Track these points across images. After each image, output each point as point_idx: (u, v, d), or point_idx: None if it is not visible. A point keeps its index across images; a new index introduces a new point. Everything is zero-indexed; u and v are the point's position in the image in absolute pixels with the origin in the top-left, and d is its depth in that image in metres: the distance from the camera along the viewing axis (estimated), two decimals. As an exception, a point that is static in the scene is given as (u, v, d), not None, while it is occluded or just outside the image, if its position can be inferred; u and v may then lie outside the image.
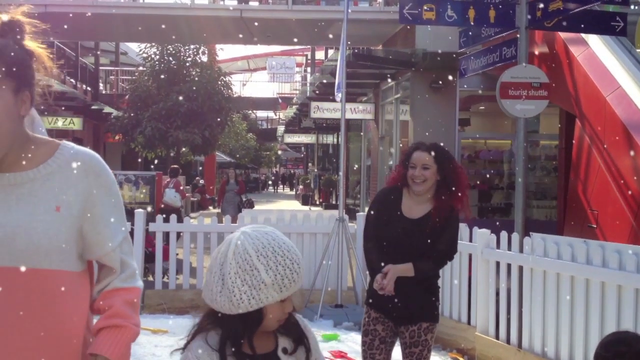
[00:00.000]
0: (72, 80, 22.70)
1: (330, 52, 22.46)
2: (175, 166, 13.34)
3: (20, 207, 1.56)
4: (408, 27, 11.72)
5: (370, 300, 3.41)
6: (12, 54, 1.55)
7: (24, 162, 1.60)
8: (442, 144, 3.45)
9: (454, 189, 3.33)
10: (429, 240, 3.28)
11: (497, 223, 8.38)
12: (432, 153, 3.32)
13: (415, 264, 3.26)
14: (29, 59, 1.62)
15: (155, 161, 20.84)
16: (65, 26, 12.65)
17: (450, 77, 10.69)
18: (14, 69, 1.55)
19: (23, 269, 1.53)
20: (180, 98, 19.68)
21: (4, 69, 1.52)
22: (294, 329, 1.65)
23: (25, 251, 1.53)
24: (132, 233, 6.96)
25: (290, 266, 1.53)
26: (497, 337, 5.36)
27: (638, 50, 6.64)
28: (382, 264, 3.28)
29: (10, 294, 1.53)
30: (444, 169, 3.31)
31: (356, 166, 18.40)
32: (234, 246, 1.52)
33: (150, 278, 7.81)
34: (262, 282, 1.50)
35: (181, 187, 12.53)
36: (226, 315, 1.53)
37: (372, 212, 3.47)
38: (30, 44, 1.63)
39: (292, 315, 1.63)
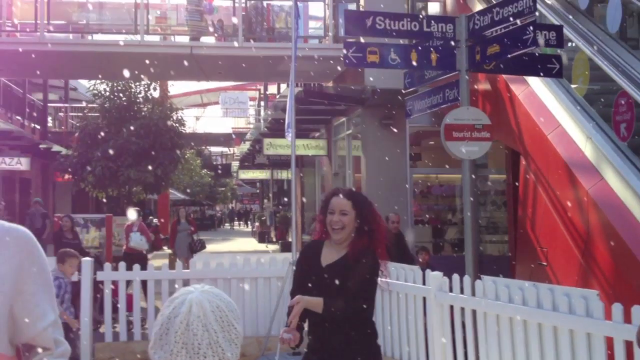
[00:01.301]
0: (19, 118, 22.17)
1: (283, 86, 22.58)
2: (137, 208, 12.97)
3: None
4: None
5: (305, 356, 3.34)
6: None
7: None
8: (360, 192, 3.48)
9: (371, 232, 3.28)
10: (340, 281, 3.18)
11: (453, 259, 8.43)
12: (351, 199, 3.29)
13: (325, 300, 3.14)
14: None
15: (115, 203, 20.35)
16: (13, 64, 12.37)
17: (400, 114, 10.82)
18: None
19: None
20: (133, 138, 19.34)
21: None
22: None
23: None
24: (79, 282, 6.74)
25: (239, 317, 1.59)
26: (454, 382, 5.32)
27: (574, 86, 6.84)
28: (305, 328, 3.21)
29: None
30: (362, 214, 3.28)
31: (305, 200, 18.36)
32: (207, 306, 1.51)
33: (102, 330, 7.56)
34: (239, 335, 1.53)
35: (146, 230, 12.12)
36: None
37: (296, 269, 3.46)
38: None
39: None
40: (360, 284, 3.19)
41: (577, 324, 4.18)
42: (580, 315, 4.17)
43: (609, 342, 4.01)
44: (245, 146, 26.76)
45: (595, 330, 4.06)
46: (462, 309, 5.28)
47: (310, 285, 3.26)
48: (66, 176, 22.07)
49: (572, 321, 4.21)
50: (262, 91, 29.97)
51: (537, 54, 6.33)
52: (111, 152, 18.93)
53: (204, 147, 38.31)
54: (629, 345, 3.86)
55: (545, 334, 4.43)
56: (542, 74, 6.30)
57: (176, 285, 7.14)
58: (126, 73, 13.96)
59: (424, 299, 5.74)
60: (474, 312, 5.15)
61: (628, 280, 5.00)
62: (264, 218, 29.23)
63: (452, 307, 5.40)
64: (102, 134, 19.88)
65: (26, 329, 1.59)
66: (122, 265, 7.19)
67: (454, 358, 5.37)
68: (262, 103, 28.92)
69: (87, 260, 6.97)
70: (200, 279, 7.22)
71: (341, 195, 3.30)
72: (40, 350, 1.64)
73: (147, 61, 13.43)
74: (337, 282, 3.17)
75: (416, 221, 10.96)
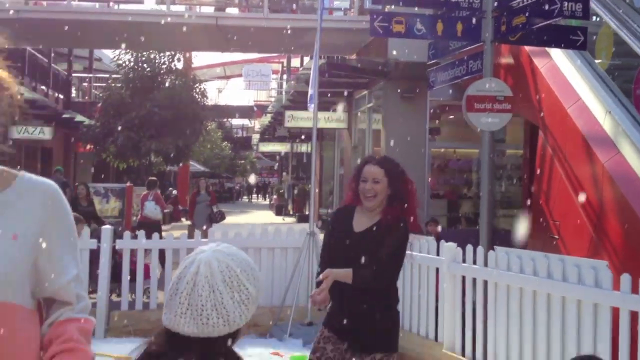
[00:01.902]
0: (43, 87, 22.41)
1: (306, 59, 22.50)
2: (153, 178, 13.14)
3: None
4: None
5: (326, 319, 3.38)
6: None
7: None
8: (393, 158, 3.43)
9: (403, 201, 3.30)
10: (370, 251, 3.20)
11: (467, 232, 8.46)
12: (383, 166, 3.30)
13: (355, 270, 3.16)
14: None
15: (134, 174, 20.57)
16: (39, 33, 12.50)
17: (422, 87, 10.78)
18: None
19: None
20: (156, 109, 19.47)
21: None
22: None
23: None
24: (99, 250, 6.81)
25: (259, 277, 1.57)
26: (463, 354, 5.38)
27: (598, 61, 6.77)
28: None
29: None
30: (394, 182, 3.28)
31: (330, 183, 18.42)
32: (216, 265, 1.50)
33: (116, 298, 7.63)
34: (250, 295, 1.51)
35: (161, 199, 12.33)
36: (196, 338, 1.49)
37: (325, 234, 3.49)
38: None
39: None
40: (391, 255, 3.22)
41: (585, 294, 4.20)
42: (589, 286, 4.19)
43: (615, 313, 4.03)
44: (267, 119, 26.83)
45: (602, 301, 4.09)
46: (474, 280, 5.32)
47: (341, 250, 3.26)
48: (88, 146, 22.32)
49: (581, 291, 4.24)
50: (285, 64, 29.91)
51: (562, 26, 6.26)
52: (136, 121, 19.10)
53: (225, 119, 38.42)
54: (634, 316, 3.89)
55: (553, 305, 4.47)
56: (567, 45, 6.24)
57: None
58: (151, 43, 14.03)
59: (437, 269, 5.78)
60: (485, 283, 5.18)
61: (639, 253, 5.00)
62: (282, 191, 29.37)
63: (463, 278, 5.44)
64: (126, 104, 20.06)
65: (49, 283, 1.62)
66: (141, 233, 7.22)
67: (463, 328, 5.43)
68: (285, 76, 28.88)
69: (107, 228, 7.02)
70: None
71: (374, 163, 3.31)
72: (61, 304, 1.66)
73: (173, 31, 13.49)
74: (368, 249, 3.19)
75: (432, 195, 10.97)
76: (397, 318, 3.40)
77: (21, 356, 1.57)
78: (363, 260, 3.18)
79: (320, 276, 3.14)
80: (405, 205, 3.29)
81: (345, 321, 3.20)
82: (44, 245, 1.60)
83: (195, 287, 1.49)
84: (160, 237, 7.69)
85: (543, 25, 5.77)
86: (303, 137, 23.95)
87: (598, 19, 7.24)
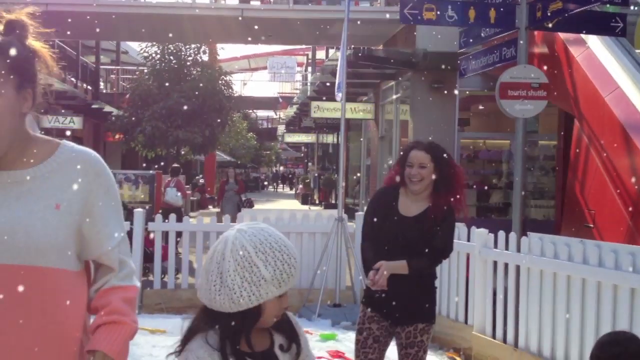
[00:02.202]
0: (72, 79, 22.73)
1: (331, 51, 22.49)
2: (176, 165, 13.34)
3: (20, 205, 1.55)
4: (409, 27, 11.74)
5: (367, 299, 3.41)
6: (16, 51, 1.55)
7: (24, 160, 1.60)
8: (439, 143, 3.44)
9: (451, 187, 3.32)
10: (426, 238, 3.26)
11: (496, 222, 8.41)
12: (429, 152, 3.31)
13: (409, 262, 3.24)
14: (32, 57, 1.63)
15: (161, 162, 20.82)
16: (67, 25, 12.66)
17: (451, 77, 10.71)
18: (17, 66, 1.55)
19: (22, 266, 1.54)
20: (183, 100, 19.65)
21: (7, 65, 1.53)
22: (287, 326, 1.66)
23: (25, 249, 1.53)
24: (131, 232, 6.95)
25: (287, 261, 1.54)
26: (494, 337, 5.37)
27: (637, 51, 6.66)
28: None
29: (8, 291, 1.53)
30: (441, 167, 3.30)
31: (357, 174, 18.41)
32: (231, 244, 1.52)
33: (150, 277, 7.81)
34: (262, 277, 1.51)
35: (183, 187, 12.50)
36: (224, 313, 1.53)
37: (369, 211, 3.46)
38: (33, 43, 1.64)
39: (285, 312, 1.64)
40: (445, 243, 3.35)
41: (622, 279, 4.16)
42: (626, 271, 4.14)
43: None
44: (292, 110, 26.90)
45: (639, 286, 4.04)
46: (506, 265, 5.29)
47: (390, 233, 3.31)
48: (117, 136, 22.64)
49: (617, 276, 4.19)
50: (309, 56, 29.93)
51: (599, 12, 6.17)
52: (163, 111, 19.31)
53: (250, 111, 38.61)
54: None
55: (589, 290, 4.42)
56: (605, 32, 6.16)
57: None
58: (177, 35, 14.11)
59: (467, 255, 5.76)
60: (517, 269, 5.16)
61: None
62: (308, 180, 29.46)
63: (495, 263, 5.42)
64: (153, 95, 20.28)
65: (94, 249, 1.66)
66: (172, 217, 7.38)
67: (494, 314, 5.41)
68: (310, 68, 28.90)
69: (139, 212, 7.20)
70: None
71: (420, 149, 3.33)
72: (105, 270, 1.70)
73: (198, 24, 13.58)
74: (426, 239, 3.27)
75: (462, 186, 10.91)
76: (435, 293, 3.48)
77: (65, 318, 1.61)
78: (415, 247, 3.26)
79: (375, 266, 3.21)
80: (452, 191, 3.33)
81: (393, 302, 3.27)
82: (87, 213, 1.63)
83: (211, 260, 1.54)
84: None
85: (580, 11, 5.71)
86: (326, 130, 23.98)
87: (636, 8, 7.12)
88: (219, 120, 21.06)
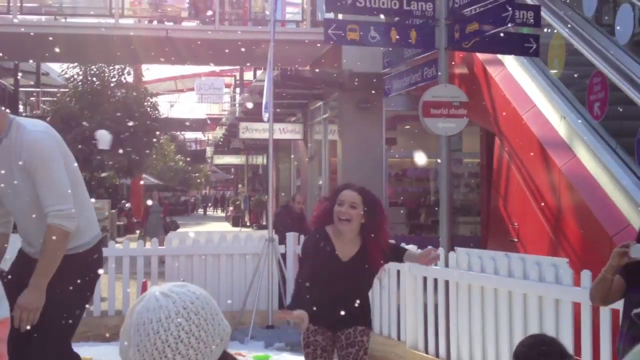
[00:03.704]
0: (-11, 101, 21.72)
1: (259, 72, 22.51)
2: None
3: None
4: (335, 47, 11.90)
5: (311, 318, 3.43)
6: None
7: None
8: (369, 190, 3.57)
9: (379, 231, 3.47)
10: (358, 278, 3.48)
11: (425, 239, 8.57)
12: (361, 194, 3.43)
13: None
14: None
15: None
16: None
17: (377, 97, 10.90)
18: None
19: None
20: (107, 122, 19.12)
21: None
22: None
23: None
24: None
25: (220, 321, 1.46)
26: (426, 352, 5.44)
27: (551, 71, 6.98)
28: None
29: None
30: (370, 211, 3.42)
31: (283, 193, 18.40)
32: (189, 305, 1.39)
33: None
34: (225, 328, 1.44)
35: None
36: None
37: (307, 256, 3.56)
38: None
39: None
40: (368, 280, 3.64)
41: (546, 290, 4.30)
42: (550, 282, 4.29)
43: (577, 309, 4.14)
44: (221, 131, 26.69)
45: (563, 297, 4.19)
46: (435, 281, 5.39)
47: (329, 277, 3.43)
48: (37, 160, 21.74)
49: (542, 288, 4.34)
50: (237, 77, 29.84)
51: (514, 33, 6.44)
52: (86, 134, 18.72)
53: (178, 133, 38.04)
54: (595, 310, 3.99)
55: (515, 302, 4.56)
56: (520, 52, 6.42)
57: (151, 263, 7.13)
58: (100, 56, 13.78)
59: (398, 272, 5.83)
60: (446, 284, 5.25)
61: (597, 252, 5.15)
62: (238, 202, 29.21)
63: (425, 279, 5.50)
64: (76, 117, 19.65)
65: None
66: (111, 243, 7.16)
67: (425, 329, 5.48)
68: (238, 89, 28.81)
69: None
70: (176, 256, 7.23)
71: (353, 190, 3.44)
72: None
73: (122, 44, 13.29)
74: (356, 276, 3.48)
75: (391, 203, 11.08)
76: (369, 300, 3.70)
77: None
78: (360, 282, 3.52)
79: (295, 314, 3.28)
80: (381, 234, 3.48)
81: (326, 310, 3.43)
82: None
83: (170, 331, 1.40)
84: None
85: (496, 32, 5.92)
86: (255, 151, 23.88)
87: (549, 30, 7.47)
88: (144, 143, 20.57)
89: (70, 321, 3.13)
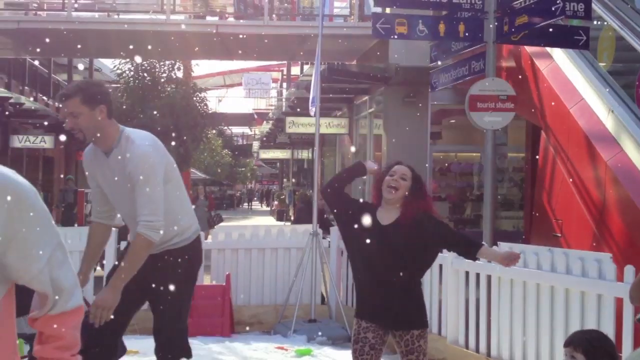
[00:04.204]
0: (44, 97, 22.48)
1: (306, 67, 22.63)
2: None
3: None
4: (382, 42, 11.89)
5: (360, 312, 3.58)
6: None
7: None
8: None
9: (421, 199, 3.55)
10: (404, 244, 3.45)
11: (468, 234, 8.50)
12: (412, 171, 3.57)
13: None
14: None
15: None
16: (39, 43, 12.56)
17: (423, 91, 10.85)
18: None
19: None
20: (155, 112, 19.52)
21: None
22: None
23: None
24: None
25: None
26: (467, 347, 5.43)
27: (600, 64, 6.84)
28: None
29: None
30: (415, 187, 3.53)
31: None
32: None
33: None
34: None
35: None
36: None
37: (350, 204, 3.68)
38: None
39: None
40: (460, 234, 3.73)
41: (589, 285, 4.25)
42: (593, 278, 4.24)
43: (619, 304, 4.08)
44: (267, 126, 26.94)
45: (606, 292, 4.13)
46: (477, 275, 5.37)
47: (364, 241, 3.48)
48: (88, 154, 22.35)
49: (585, 283, 4.28)
50: (284, 72, 30.05)
51: (564, 25, 6.34)
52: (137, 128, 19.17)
53: (225, 127, 38.57)
54: (637, 306, 3.92)
55: (557, 297, 4.51)
56: (569, 45, 6.33)
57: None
58: (151, 52, 14.10)
59: (440, 266, 5.82)
60: (488, 279, 5.23)
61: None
62: (283, 197, 29.44)
63: (467, 273, 5.49)
64: (127, 111, 20.13)
65: (22, 274, 1.55)
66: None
67: (466, 323, 5.47)
68: (285, 84, 29.01)
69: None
70: (222, 249, 7.36)
71: (405, 165, 3.60)
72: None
73: (172, 40, 13.57)
74: (404, 244, 3.46)
75: (434, 197, 11.04)
76: (423, 298, 3.70)
77: None
78: (396, 252, 3.45)
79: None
80: (422, 202, 3.56)
81: (381, 308, 3.47)
82: (9, 241, 1.50)
83: None
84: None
85: (545, 25, 5.85)
86: (300, 145, 24.04)
87: (599, 22, 7.32)
88: (192, 137, 20.93)
89: (185, 309, 3.54)
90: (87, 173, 3.48)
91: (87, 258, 3.54)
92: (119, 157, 3.22)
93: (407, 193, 3.48)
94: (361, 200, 3.87)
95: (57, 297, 1.59)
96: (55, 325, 1.60)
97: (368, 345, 3.49)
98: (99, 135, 3.23)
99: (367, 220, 3.48)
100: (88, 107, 3.14)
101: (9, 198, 1.49)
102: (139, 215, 3.16)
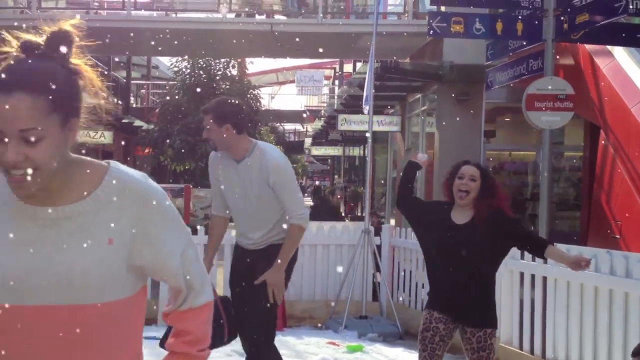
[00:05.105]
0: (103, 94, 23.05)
1: (359, 65, 22.61)
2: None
3: (73, 243, 1.45)
4: (436, 40, 11.80)
5: (432, 304, 3.65)
6: (59, 83, 1.40)
7: (70, 191, 1.48)
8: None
9: (493, 198, 3.61)
10: (479, 242, 3.51)
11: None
12: (479, 169, 3.63)
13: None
14: (77, 83, 1.48)
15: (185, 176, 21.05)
16: (99, 41, 12.93)
17: (477, 90, 10.72)
18: (61, 101, 1.40)
19: (79, 305, 1.46)
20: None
21: (49, 103, 1.37)
22: None
23: (83, 288, 1.45)
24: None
25: None
26: (521, 348, 5.38)
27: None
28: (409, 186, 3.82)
29: (67, 332, 1.45)
30: (486, 185, 3.58)
31: (382, 181, 18.46)
32: None
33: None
34: None
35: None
36: None
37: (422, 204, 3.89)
38: (78, 63, 1.50)
39: None
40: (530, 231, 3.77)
41: (650, 290, 4.16)
42: (654, 282, 4.15)
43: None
44: (319, 123, 27.04)
45: (669, 297, 4.04)
46: (533, 276, 5.31)
47: (439, 238, 3.61)
48: (146, 150, 22.97)
49: (646, 287, 4.20)
50: (337, 70, 30.10)
51: (626, 24, 6.18)
52: (192, 126, 19.59)
53: (278, 124, 38.91)
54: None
55: (616, 301, 4.43)
56: (631, 43, 6.17)
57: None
58: (207, 50, 14.32)
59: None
60: (544, 280, 5.17)
61: None
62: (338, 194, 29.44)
63: (522, 274, 5.43)
64: (183, 109, 20.59)
65: (156, 272, 1.59)
66: (200, 229, 7.46)
67: (520, 325, 5.42)
68: (337, 81, 29.07)
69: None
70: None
71: (472, 164, 3.65)
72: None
73: (228, 38, 13.81)
74: (480, 243, 3.52)
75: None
76: (494, 298, 3.79)
77: (122, 348, 1.55)
78: (470, 251, 3.50)
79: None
80: (494, 200, 3.60)
81: (456, 301, 3.53)
82: (142, 242, 1.53)
83: None
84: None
85: (606, 23, 5.72)
86: (352, 142, 24.03)
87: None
88: (248, 133, 21.20)
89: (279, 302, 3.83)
90: (210, 171, 4.03)
91: (212, 246, 4.10)
92: (249, 164, 3.73)
93: (478, 193, 3.54)
94: (434, 200, 4.00)
95: (188, 294, 1.62)
96: (184, 321, 1.64)
97: (438, 336, 3.56)
98: (228, 147, 3.77)
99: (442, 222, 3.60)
100: (217, 125, 3.67)
101: (143, 202, 1.53)
102: (291, 211, 3.72)
